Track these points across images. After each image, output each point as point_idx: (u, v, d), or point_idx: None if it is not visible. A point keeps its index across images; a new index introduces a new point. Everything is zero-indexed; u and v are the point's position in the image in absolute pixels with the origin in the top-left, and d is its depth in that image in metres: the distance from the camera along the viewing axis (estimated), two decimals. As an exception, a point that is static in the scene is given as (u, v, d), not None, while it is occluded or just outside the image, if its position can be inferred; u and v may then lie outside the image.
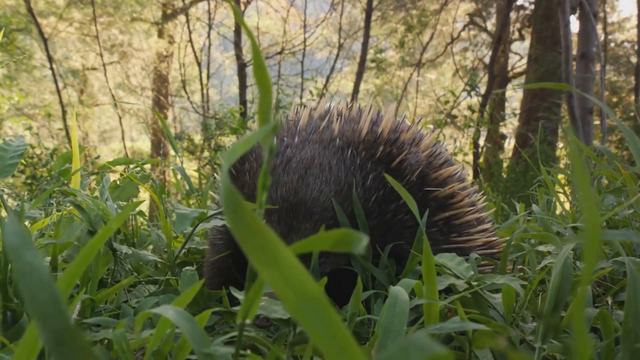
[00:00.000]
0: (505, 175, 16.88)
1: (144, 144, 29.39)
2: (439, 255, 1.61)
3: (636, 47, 23.46)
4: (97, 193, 2.44)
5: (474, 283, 1.49)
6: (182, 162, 3.13)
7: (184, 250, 2.52)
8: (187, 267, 1.59)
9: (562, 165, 18.44)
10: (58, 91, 21.05)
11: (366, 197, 1.81)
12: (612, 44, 24.43)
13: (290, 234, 1.75)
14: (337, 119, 1.99)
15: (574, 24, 10.16)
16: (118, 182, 2.43)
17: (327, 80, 20.89)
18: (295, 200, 1.77)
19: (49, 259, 1.67)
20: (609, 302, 1.71)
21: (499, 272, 2.01)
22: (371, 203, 1.82)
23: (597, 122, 13.92)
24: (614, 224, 2.77)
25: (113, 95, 23.21)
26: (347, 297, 1.76)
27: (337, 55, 22.08)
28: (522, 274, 2.12)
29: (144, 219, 2.81)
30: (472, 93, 17.43)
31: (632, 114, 19.48)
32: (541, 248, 2.08)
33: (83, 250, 0.78)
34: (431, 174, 1.91)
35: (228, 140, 14.64)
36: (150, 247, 2.66)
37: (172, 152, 22.24)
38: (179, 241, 2.52)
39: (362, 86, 22.12)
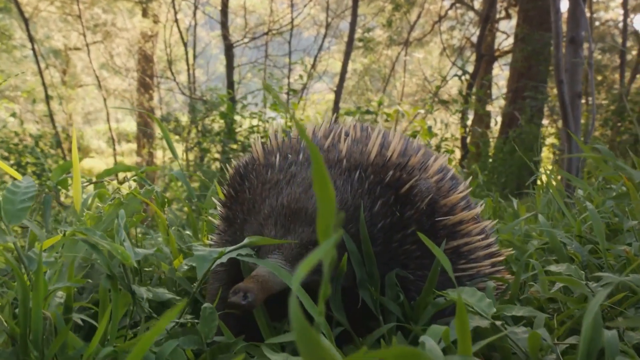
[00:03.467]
0: (491, 153, 16.95)
1: (129, 125, 29.14)
2: (461, 290, 1.60)
3: (621, 26, 23.52)
4: (101, 207, 2.40)
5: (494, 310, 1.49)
6: (182, 168, 3.09)
7: (185, 267, 2.51)
8: (206, 305, 1.57)
9: (547, 145, 18.56)
10: (40, 72, 20.69)
11: (373, 222, 1.78)
12: (597, 23, 24.45)
13: (286, 236, 1.73)
14: (344, 139, 1.96)
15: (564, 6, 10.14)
16: (122, 199, 2.39)
17: (315, 60, 20.70)
18: (296, 207, 1.75)
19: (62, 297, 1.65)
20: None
21: (511, 293, 2.02)
22: (377, 229, 1.79)
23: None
24: (614, 227, 2.79)
25: (97, 76, 22.87)
26: (352, 320, 1.76)
27: (325, 35, 21.87)
28: (533, 290, 2.12)
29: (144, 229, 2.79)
30: (460, 73, 17.37)
31: (615, 91, 19.57)
32: (552, 268, 2.08)
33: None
34: (440, 200, 1.88)
35: (217, 126, 14.49)
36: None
37: (157, 134, 22.10)
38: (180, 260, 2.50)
39: (350, 66, 21.96)
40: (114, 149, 22.69)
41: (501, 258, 2.11)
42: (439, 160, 2.01)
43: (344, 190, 1.79)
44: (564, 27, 8.52)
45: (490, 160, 16.06)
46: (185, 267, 2.48)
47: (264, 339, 1.75)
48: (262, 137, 2.08)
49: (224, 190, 2.11)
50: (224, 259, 1.63)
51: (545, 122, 21.29)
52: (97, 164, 24.65)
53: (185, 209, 5.82)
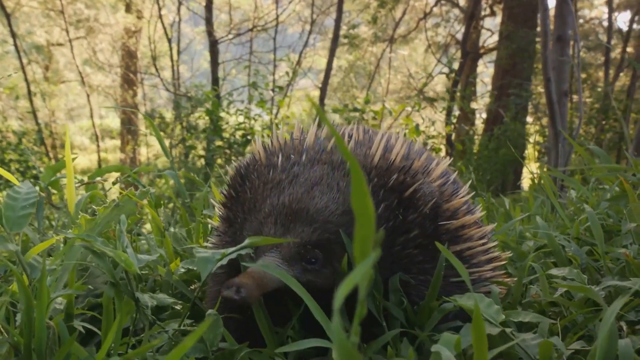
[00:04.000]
0: (476, 150, 17.05)
1: (113, 122, 28.90)
2: (467, 296, 1.59)
3: (605, 24, 23.74)
4: (96, 209, 2.36)
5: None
6: (175, 169, 3.06)
7: (182, 270, 2.48)
8: (210, 311, 1.55)
9: (531, 141, 18.70)
10: (22, 68, 20.46)
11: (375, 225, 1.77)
12: (581, 21, 24.64)
13: (285, 235, 1.71)
14: (348, 142, 1.95)
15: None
16: (117, 201, 2.35)
17: (300, 57, 20.67)
18: (297, 207, 1.73)
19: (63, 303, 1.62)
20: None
21: (514, 297, 2.01)
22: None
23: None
24: (609, 228, 2.80)
25: (80, 72, 22.66)
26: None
27: (310, 31, 21.86)
28: (535, 295, 2.12)
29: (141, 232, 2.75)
30: (447, 71, 17.44)
31: (599, 89, 19.76)
32: (554, 272, 2.08)
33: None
34: (443, 205, 1.86)
35: (203, 123, 14.41)
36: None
37: (142, 131, 21.95)
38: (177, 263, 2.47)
39: (335, 62, 21.95)
40: (98, 146, 22.52)
41: (502, 262, 2.10)
42: (441, 164, 2.00)
43: (347, 192, 1.77)
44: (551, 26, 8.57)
45: (475, 157, 16.14)
46: (182, 270, 2.44)
47: (267, 344, 1.73)
48: (249, 135, 2.05)
49: (223, 191, 2.09)
50: (225, 261, 1.61)
51: (529, 119, 21.45)
52: (81, 160, 24.41)
53: (171, 206, 5.77)
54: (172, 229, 3.26)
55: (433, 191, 1.83)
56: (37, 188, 2.60)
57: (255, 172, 1.94)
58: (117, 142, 27.28)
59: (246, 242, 1.60)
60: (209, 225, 3.01)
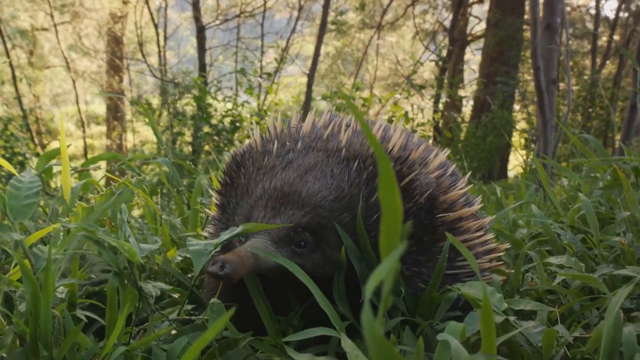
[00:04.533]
0: (463, 138, 17.13)
1: (99, 108, 28.66)
2: (469, 284, 1.61)
3: (592, 12, 23.86)
4: (92, 201, 2.35)
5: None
6: (169, 157, 3.05)
7: (179, 258, 2.47)
8: (214, 300, 1.55)
9: (518, 130, 18.77)
10: (7, 53, 20.23)
11: (368, 213, 1.75)
12: (569, 9, 24.72)
13: (275, 217, 1.71)
14: (345, 130, 1.94)
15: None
16: (114, 189, 2.34)
17: (288, 43, 20.58)
18: (288, 191, 1.72)
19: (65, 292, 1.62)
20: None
21: (512, 285, 2.03)
22: (372, 220, 1.76)
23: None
24: (601, 216, 2.83)
25: (65, 57, 22.42)
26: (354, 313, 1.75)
27: (298, 17, 21.75)
28: (532, 283, 2.14)
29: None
30: (436, 58, 17.46)
31: (585, 77, 19.86)
32: (551, 260, 2.10)
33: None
34: (440, 197, 1.86)
35: (190, 109, 14.34)
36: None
37: (128, 117, 21.83)
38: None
39: (322, 49, 21.87)
40: (84, 132, 22.35)
41: (499, 254, 2.11)
42: (439, 156, 1.99)
43: (341, 179, 1.75)
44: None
45: (460, 145, 16.20)
46: (179, 259, 2.44)
47: (268, 333, 1.74)
48: (237, 122, 2.04)
49: (219, 179, 2.08)
50: (219, 249, 1.61)
51: (516, 107, 21.55)
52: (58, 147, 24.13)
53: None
54: (164, 217, 3.25)
55: (430, 182, 1.82)
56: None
57: (250, 158, 1.94)
58: (103, 129, 27.06)
59: (239, 229, 1.59)
60: (203, 215, 3.01)
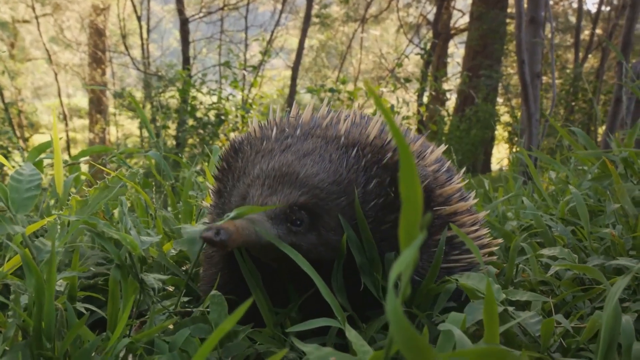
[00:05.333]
0: (446, 130, 17.20)
1: (82, 101, 28.38)
2: (467, 275, 1.63)
3: (574, 6, 24.03)
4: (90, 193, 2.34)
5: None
6: (161, 152, 3.04)
7: (174, 251, 2.48)
8: (214, 292, 1.56)
9: (501, 123, 18.86)
10: (-13, 45, 19.97)
11: (365, 199, 1.77)
12: (551, 2, 24.87)
13: (271, 196, 1.71)
14: (344, 120, 1.95)
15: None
16: (107, 183, 2.33)
17: (271, 36, 20.50)
18: (286, 171, 1.72)
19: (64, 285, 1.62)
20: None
21: (506, 277, 2.06)
22: (369, 207, 1.77)
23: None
24: (590, 208, 2.87)
25: (47, 50, 22.17)
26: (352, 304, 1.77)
27: (282, 10, 21.67)
28: (525, 274, 2.17)
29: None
30: (419, 51, 17.50)
31: (568, 70, 20.01)
32: (545, 252, 2.13)
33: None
34: (437, 190, 1.88)
35: (174, 102, 14.25)
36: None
37: (111, 110, 21.64)
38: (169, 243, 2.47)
39: (307, 42, 21.82)
40: (66, 125, 22.13)
41: (493, 248, 2.14)
42: (436, 151, 2.02)
43: (339, 164, 1.76)
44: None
45: (444, 138, 16.26)
46: (174, 252, 2.44)
47: (266, 324, 1.75)
48: (222, 115, 2.04)
49: (216, 165, 2.08)
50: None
51: (499, 100, 21.68)
52: (48, 139, 23.92)
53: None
54: (158, 210, 3.25)
55: (426, 174, 1.84)
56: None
57: (249, 144, 1.94)
58: (86, 122, 26.80)
59: (234, 212, 1.58)
60: (195, 207, 3.01)
